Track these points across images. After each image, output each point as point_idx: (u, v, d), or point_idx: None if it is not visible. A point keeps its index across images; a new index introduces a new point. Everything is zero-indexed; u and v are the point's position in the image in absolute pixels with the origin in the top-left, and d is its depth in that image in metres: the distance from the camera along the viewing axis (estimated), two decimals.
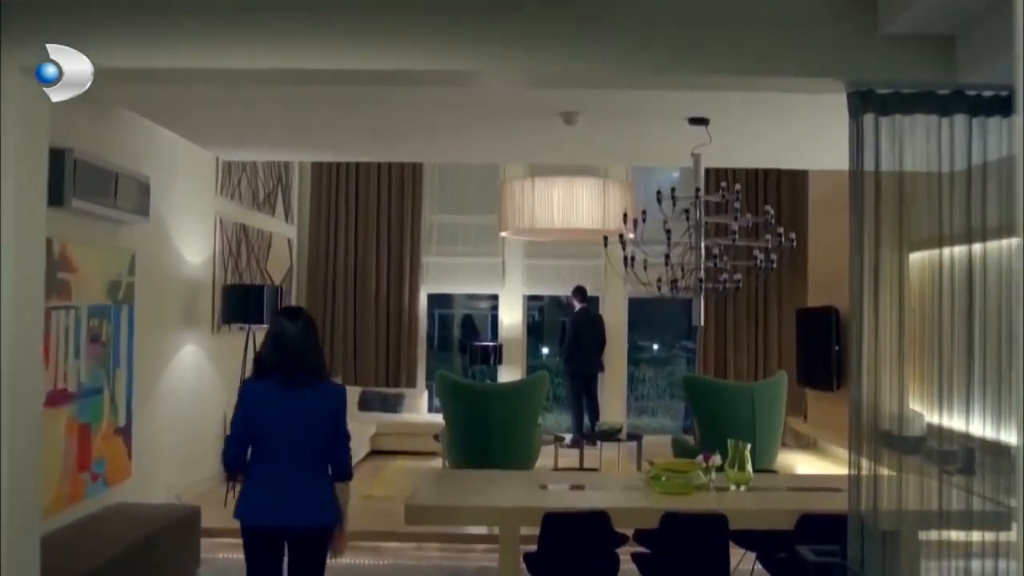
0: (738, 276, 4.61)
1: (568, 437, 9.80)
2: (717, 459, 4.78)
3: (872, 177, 3.14)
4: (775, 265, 4.57)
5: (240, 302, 7.14)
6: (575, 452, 8.11)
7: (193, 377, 7.29)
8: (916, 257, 3.48)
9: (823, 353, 8.70)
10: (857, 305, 3.10)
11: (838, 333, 8.45)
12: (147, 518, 5.40)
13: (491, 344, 10.50)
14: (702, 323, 4.64)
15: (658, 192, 4.63)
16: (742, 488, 4.70)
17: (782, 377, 6.70)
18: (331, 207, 10.62)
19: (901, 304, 3.23)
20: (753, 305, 10.64)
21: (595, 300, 10.74)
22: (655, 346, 12.04)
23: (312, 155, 8.37)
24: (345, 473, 3.65)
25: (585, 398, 10.33)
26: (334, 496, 3.60)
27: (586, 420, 10.27)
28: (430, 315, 11.37)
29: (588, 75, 3.79)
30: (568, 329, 10.34)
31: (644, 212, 4.63)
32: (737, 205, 4.55)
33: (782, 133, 5.85)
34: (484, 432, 6.40)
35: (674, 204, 4.51)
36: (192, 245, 7.22)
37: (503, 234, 8.82)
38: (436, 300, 11.58)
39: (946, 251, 3.24)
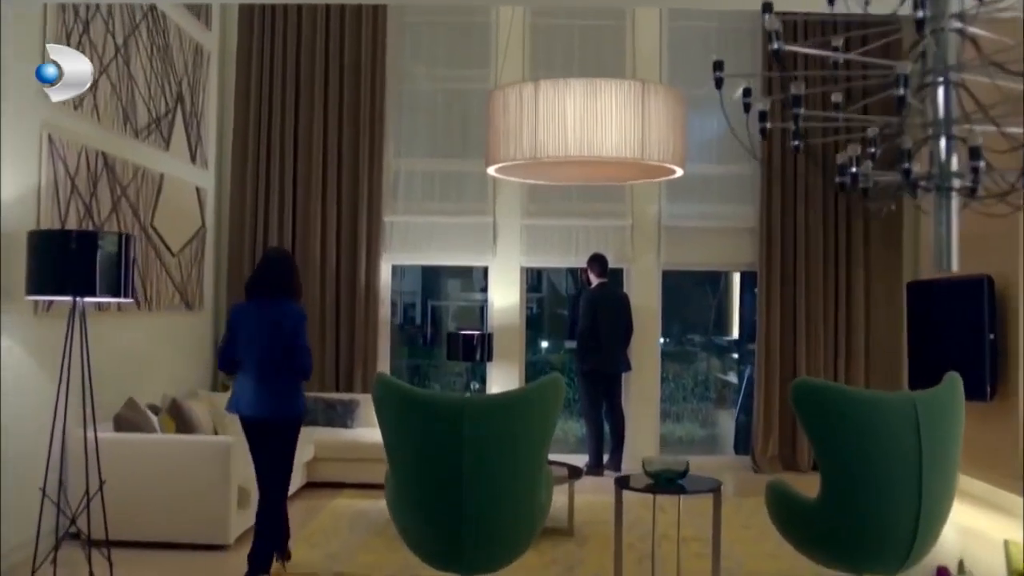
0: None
1: (584, 463, 7.12)
2: None
3: None
4: None
5: (54, 260, 4.27)
6: (598, 485, 5.40)
7: None
8: None
9: (964, 346, 5.95)
10: None
11: (992, 315, 5.68)
12: None
13: (477, 333, 7.72)
14: (955, 265, 1.92)
15: None
16: None
17: (956, 384, 3.97)
18: (260, 148, 7.84)
19: None
20: (831, 280, 7.88)
21: (617, 274, 8.03)
22: (661, 340, 9.45)
23: None
24: (302, 374, 4.47)
25: (606, 406, 7.64)
26: (300, 392, 4.52)
27: (605, 432, 7.66)
28: (422, 307, 9.51)
29: None
30: (582, 312, 7.62)
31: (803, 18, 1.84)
32: None
33: None
34: (453, 479, 3.64)
35: None
36: None
37: (491, 170, 6.06)
38: (429, 292, 9.86)
39: None
